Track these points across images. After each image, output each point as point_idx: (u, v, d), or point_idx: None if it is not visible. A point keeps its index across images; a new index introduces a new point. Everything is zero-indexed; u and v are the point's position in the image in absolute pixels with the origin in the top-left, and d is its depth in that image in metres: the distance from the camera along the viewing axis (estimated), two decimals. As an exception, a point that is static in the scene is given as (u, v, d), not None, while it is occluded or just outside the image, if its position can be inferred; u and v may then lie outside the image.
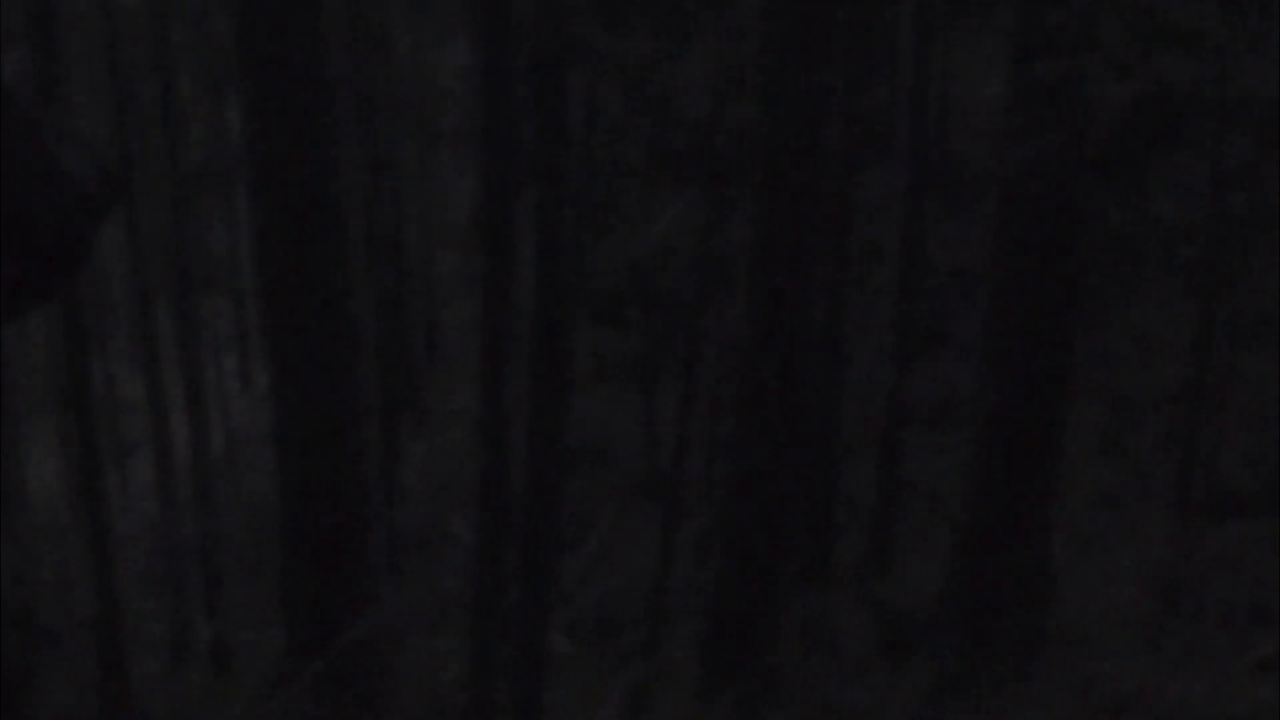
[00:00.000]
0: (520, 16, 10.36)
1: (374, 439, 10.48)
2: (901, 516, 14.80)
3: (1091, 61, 10.42)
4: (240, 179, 24.51)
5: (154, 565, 17.14)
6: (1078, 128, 10.40)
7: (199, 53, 22.45)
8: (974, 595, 11.18)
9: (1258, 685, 9.31)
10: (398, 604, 10.72)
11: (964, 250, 17.54)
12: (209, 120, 26.77)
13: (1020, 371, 10.89)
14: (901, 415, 14.63)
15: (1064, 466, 11.22)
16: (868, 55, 16.66)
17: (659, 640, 13.35)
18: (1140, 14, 10.99)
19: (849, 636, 12.57)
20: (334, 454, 10.14)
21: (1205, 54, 11.88)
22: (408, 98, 25.03)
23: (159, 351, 16.87)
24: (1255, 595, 11.62)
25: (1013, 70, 10.82)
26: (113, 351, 26.78)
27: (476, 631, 11.20)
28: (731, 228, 14.69)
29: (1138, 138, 12.87)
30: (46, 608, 13.88)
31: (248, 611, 14.97)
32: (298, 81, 9.58)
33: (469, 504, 13.16)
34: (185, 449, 16.64)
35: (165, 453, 16.48)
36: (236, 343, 29.99)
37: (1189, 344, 14.25)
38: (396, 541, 14.21)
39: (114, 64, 16.94)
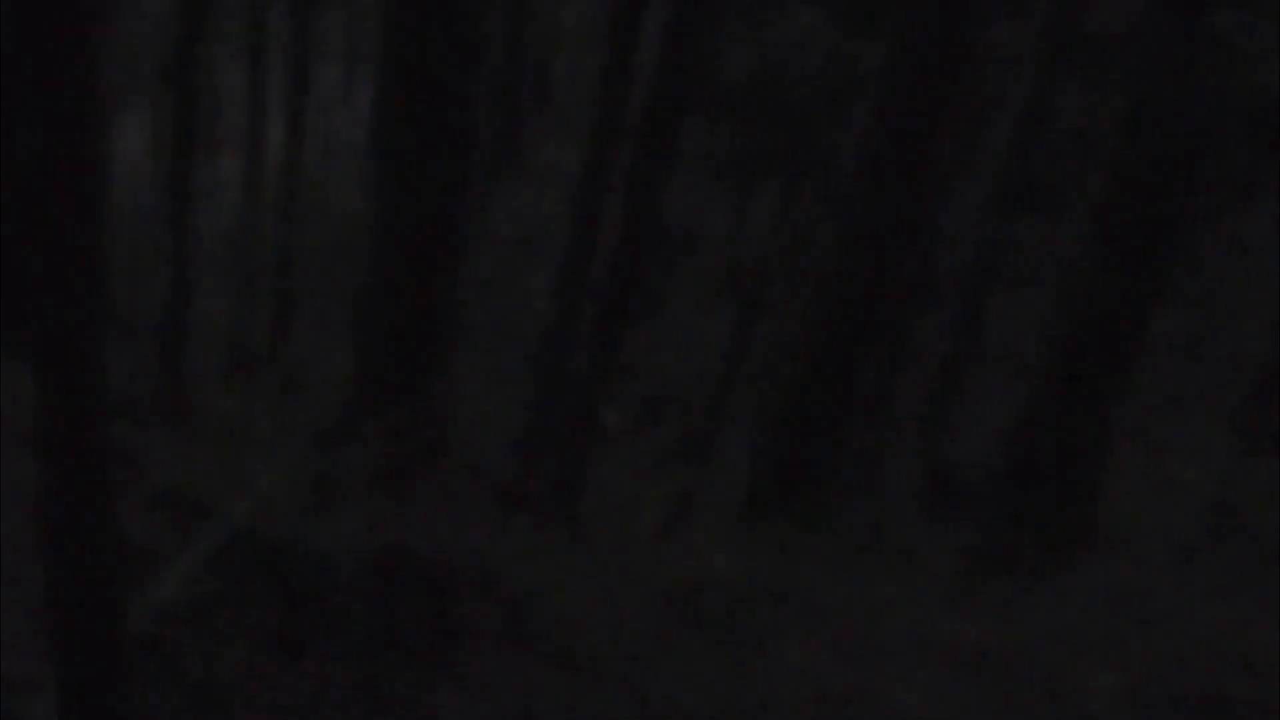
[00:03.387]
0: None
1: (473, 175, 10.23)
2: (972, 373, 14.56)
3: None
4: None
5: (230, 266, 17.12)
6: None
7: None
8: (1028, 471, 10.98)
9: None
10: (465, 363, 10.62)
11: (1086, 117, 16.98)
12: None
13: (1121, 249, 10.52)
14: (989, 270, 14.27)
15: (1143, 362, 10.92)
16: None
17: (711, 444, 13.27)
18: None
19: (898, 482, 12.45)
20: (429, 181, 9.91)
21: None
22: None
23: (267, 48, 16.59)
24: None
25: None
26: (219, 37, 26.52)
27: (538, 390, 11.13)
28: (863, 47, 14.23)
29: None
30: (117, 291, 13.90)
31: (317, 328, 14.97)
32: None
33: (551, 261, 13.01)
34: (277, 151, 16.47)
35: (257, 151, 16.32)
36: (345, 57, 29.68)
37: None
38: (475, 285, 14.10)
39: None
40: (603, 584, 8.37)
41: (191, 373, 12.40)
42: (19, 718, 5.00)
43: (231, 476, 7.49)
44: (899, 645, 8.05)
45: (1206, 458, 13.60)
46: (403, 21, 9.58)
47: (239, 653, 5.86)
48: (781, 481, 10.74)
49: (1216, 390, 15.18)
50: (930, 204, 13.26)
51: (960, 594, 9.46)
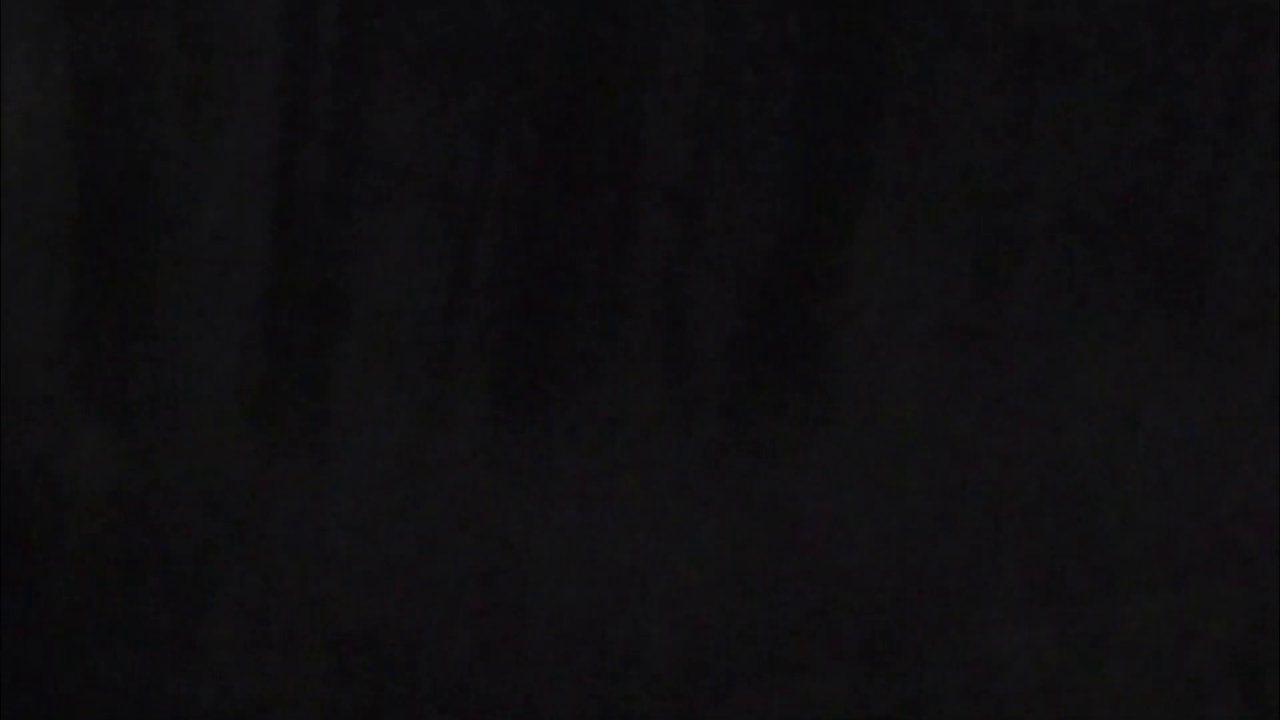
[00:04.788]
0: None
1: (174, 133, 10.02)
2: (702, 256, 14.60)
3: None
4: None
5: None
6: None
7: None
8: (762, 357, 10.98)
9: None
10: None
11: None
12: None
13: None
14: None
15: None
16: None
17: (449, 361, 13.22)
18: None
19: (638, 385, 12.42)
20: (128, 147, 9.68)
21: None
22: None
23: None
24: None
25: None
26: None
27: (268, 327, 10.92)
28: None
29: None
30: None
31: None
32: None
33: (264, 197, 12.76)
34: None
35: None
36: (31, 32, 28.49)
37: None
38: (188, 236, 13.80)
39: None
40: (355, 511, 8.39)
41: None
42: None
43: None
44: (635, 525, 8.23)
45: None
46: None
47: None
48: (523, 381, 10.75)
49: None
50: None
51: (699, 481, 9.53)
